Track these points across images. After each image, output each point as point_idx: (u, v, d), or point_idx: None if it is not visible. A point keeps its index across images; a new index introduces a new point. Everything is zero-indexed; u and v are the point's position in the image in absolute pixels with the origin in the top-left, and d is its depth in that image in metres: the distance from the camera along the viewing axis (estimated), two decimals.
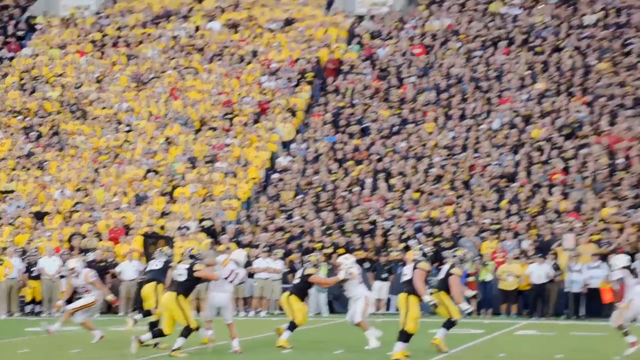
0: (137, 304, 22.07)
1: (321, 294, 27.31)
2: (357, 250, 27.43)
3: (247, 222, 30.10)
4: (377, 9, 40.68)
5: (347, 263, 19.16)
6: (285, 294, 19.19)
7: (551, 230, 27.63)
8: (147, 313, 19.39)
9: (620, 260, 17.79)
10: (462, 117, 33.41)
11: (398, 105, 34.67)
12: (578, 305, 26.17)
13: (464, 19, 38.46)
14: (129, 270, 27.39)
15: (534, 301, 26.58)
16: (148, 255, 25.04)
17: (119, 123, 35.98)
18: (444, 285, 17.78)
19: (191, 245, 23.12)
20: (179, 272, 17.80)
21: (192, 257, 18.04)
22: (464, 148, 31.80)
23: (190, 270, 17.65)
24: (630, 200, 28.18)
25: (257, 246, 28.17)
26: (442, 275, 17.98)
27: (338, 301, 27.32)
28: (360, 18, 40.47)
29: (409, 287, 16.91)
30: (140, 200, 31.53)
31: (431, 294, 17.30)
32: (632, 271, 17.48)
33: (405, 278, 17.17)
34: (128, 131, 35.47)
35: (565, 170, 30.02)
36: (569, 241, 26.78)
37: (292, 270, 27.07)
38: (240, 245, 28.12)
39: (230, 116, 35.51)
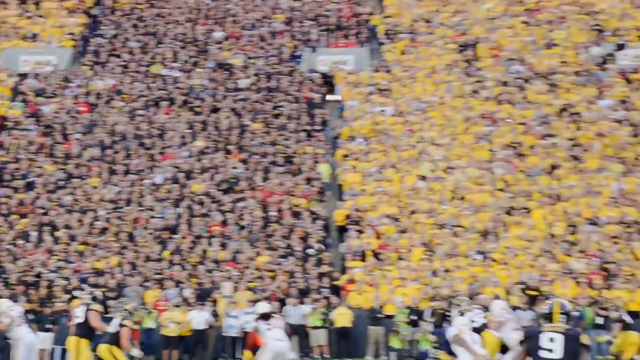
0: None
1: None
2: (22, 303, 27.65)
3: None
4: (41, 68, 40.71)
5: (4, 307, 19.55)
6: None
7: (211, 278, 29.18)
8: None
9: (259, 307, 19.07)
10: (127, 172, 34.27)
11: (63, 160, 34.98)
12: (235, 349, 27.67)
13: (127, 80, 39.59)
14: None
15: (194, 346, 27.84)
16: None
17: None
18: (115, 339, 18.02)
19: None
20: None
21: None
22: (129, 202, 32.73)
23: None
24: (281, 250, 30.39)
25: None
26: (113, 328, 18.26)
27: (2, 354, 27.35)
28: (24, 76, 40.48)
29: (80, 331, 17.41)
30: None
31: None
32: (267, 318, 18.67)
33: (77, 320, 17.73)
34: None
35: (224, 223, 31.67)
36: (227, 289, 28.63)
37: None
38: None
39: None
